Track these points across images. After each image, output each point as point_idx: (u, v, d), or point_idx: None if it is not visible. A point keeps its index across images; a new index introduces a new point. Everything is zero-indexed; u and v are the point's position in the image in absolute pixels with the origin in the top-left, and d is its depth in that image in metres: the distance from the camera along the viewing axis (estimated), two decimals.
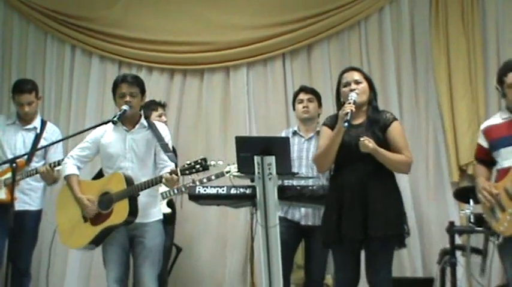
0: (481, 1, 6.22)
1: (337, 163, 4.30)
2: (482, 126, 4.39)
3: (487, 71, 6.17)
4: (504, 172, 4.13)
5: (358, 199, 4.14)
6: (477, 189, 4.23)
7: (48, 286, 5.56)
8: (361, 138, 4.06)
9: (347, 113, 4.05)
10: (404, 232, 4.23)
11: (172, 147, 5.72)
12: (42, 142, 5.44)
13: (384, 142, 4.19)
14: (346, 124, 4.03)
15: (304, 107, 5.31)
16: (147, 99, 4.97)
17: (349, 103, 4.13)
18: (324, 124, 4.43)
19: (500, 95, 4.36)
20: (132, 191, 4.49)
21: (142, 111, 4.82)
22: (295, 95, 5.45)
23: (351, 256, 4.26)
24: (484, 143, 4.33)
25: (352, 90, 4.23)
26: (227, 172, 5.15)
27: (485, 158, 4.35)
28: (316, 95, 5.39)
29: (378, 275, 4.18)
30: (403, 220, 4.25)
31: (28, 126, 5.51)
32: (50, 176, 5.28)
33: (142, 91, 4.71)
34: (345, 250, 4.24)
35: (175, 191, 5.38)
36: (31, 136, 5.50)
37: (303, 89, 5.44)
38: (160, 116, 5.67)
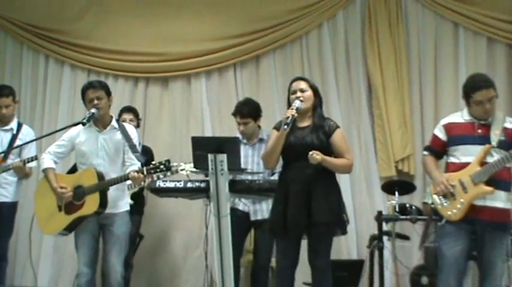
0: (405, 20, 6.43)
1: (285, 160, 4.42)
2: (444, 121, 4.36)
3: (410, 75, 6.38)
4: (459, 166, 4.17)
5: (303, 191, 4.23)
6: (436, 181, 4.23)
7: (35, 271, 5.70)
8: (310, 153, 4.16)
9: (287, 118, 4.20)
10: (344, 220, 4.34)
11: (149, 147, 5.82)
12: (18, 142, 5.42)
13: (326, 145, 4.32)
14: (285, 127, 4.18)
15: (241, 131, 5.27)
16: (113, 104, 5.00)
17: (292, 109, 4.27)
18: (274, 127, 4.51)
19: (465, 103, 4.27)
20: (102, 186, 4.54)
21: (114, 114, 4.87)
22: (234, 115, 5.32)
23: (293, 243, 4.33)
24: (443, 136, 4.31)
25: (297, 98, 4.34)
26: (181, 169, 5.19)
27: (439, 149, 4.35)
28: (252, 115, 5.22)
29: (319, 258, 4.29)
30: (343, 209, 4.37)
31: (5, 127, 5.50)
32: (21, 171, 5.31)
33: (108, 93, 4.72)
34: (289, 237, 4.30)
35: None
36: (8, 136, 5.49)
37: (239, 113, 5.27)
38: (131, 120, 5.73)
